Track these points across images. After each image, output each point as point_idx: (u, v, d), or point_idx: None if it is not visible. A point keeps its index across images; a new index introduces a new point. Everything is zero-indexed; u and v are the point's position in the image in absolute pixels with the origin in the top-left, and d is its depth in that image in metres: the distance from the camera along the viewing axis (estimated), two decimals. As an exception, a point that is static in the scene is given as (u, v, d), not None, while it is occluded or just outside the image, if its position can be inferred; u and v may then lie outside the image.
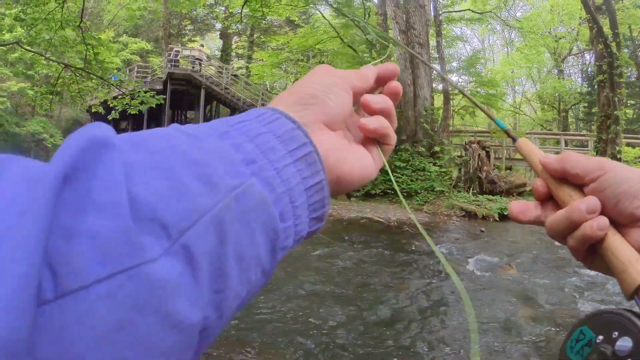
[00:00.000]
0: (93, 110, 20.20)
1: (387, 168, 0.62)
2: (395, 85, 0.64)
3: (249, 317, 5.41)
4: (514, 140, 0.64)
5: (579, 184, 0.57)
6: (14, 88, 34.37)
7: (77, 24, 13.42)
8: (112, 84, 16.83)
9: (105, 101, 16.62)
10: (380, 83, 0.65)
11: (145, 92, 15.38)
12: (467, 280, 7.37)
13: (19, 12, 13.30)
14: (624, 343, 0.46)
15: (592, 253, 0.56)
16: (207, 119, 30.80)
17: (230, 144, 0.43)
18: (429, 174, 17.01)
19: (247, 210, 0.39)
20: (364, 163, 0.57)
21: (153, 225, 0.33)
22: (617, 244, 0.52)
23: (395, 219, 14.09)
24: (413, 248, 10.09)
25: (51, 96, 16.29)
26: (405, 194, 16.79)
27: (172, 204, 0.34)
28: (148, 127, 28.58)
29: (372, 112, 0.60)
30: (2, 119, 35.50)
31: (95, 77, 15.40)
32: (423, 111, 18.21)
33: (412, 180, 16.98)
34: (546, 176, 0.60)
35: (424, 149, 17.81)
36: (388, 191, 17.05)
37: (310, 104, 0.52)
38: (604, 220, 0.53)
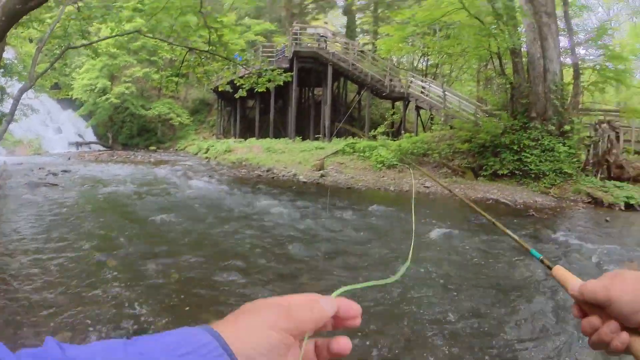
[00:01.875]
0: (220, 90, 20.33)
1: None
2: (344, 345, 0.63)
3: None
4: (549, 268, 0.90)
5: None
6: (138, 73, 37.10)
7: (198, 9, 13.55)
8: (239, 64, 17.15)
9: (232, 80, 17.07)
10: (337, 321, 0.65)
11: (273, 70, 15.46)
12: (589, 274, 7.06)
13: (137, 3, 13.73)
14: None
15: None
16: (334, 95, 31.48)
17: None
18: (557, 154, 16.45)
19: None
20: None
21: None
22: (637, 345, 0.75)
23: (522, 202, 13.98)
24: (538, 234, 9.88)
25: (177, 78, 16.67)
26: (532, 175, 16.48)
27: None
28: (275, 104, 30.06)
29: None
30: (129, 102, 38.57)
31: (220, 59, 15.57)
32: (553, 87, 17.49)
33: (540, 161, 16.50)
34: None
35: (553, 128, 17.14)
36: (515, 172, 16.79)
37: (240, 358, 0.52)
38: (625, 335, 0.76)
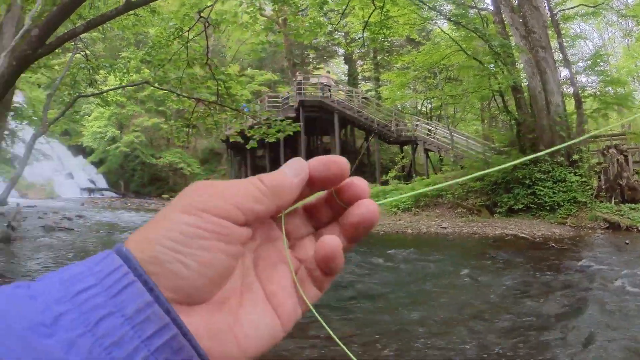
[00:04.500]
0: (231, 140, 20.36)
1: (314, 311, 0.48)
2: (368, 210, 0.48)
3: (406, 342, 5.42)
4: None
5: None
6: (147, 123, 37.63)
7: (204, 61, 13.86)
8: (248, 115, 17.11)
9: (242, 131, 17.12)
10: (321, 187, 0.50)
11: (282, 120, 15.63)
12: (615, 297, 7.07)
13: (144, 54, 14.11)
14: None
15: None
16: (342, 142, 31.77)
17: (62, 341, 0.33)
18: (570, 184, 16.53)
19: None
20: (260, 332, 0.44)
21: None
22: None
23: (541, 234, 13.90)
24: (561, 265, 9.85)
25: (187, 129, 16.70)
26: (548, 207, 16.56)
27: None
28: (285, 154, 30.01)
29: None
30: (139, 151, 38.93)
31: (229, 109, 15.69)
32: (557, 118, 17.74)
33: (554, 192, 16.57)
34: None
35: (562, 159, 17.27)
36: (530, 206, 16.84)
37: (152, 274, 0.38)
38: None
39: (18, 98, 21.17)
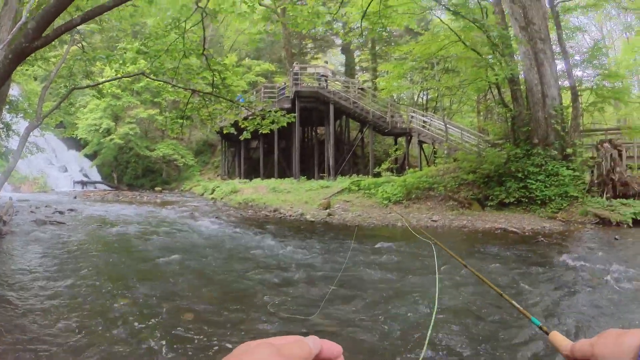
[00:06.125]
0: (225, 132, 20.33)
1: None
2: None
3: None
4: (547, 333, 0.97)
5: None
6: (142, 115, 37.56)
7: (200, 52, 13.71)
8: (242, 106, 16.97)
9: (236, 122, 17.04)
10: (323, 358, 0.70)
11: (276, 111, 15.49)
12: (605, 293, 7.10)
13: (141, 45, 13.82)
14: None
15: None
16: (337, 134, 31.67)
17: None
18: (562, 178, 16.40)
19: None
20: None
21: None
22: None
23: (530, 229, 13.88)
24: (548, 260, 9.79)
25: (181, 120, 16.57)
26: (539, 201, 16.43)
27: None
28: (279, 144, 30.08)
29: None
30: (133, 143, 39.03)
31: (224, 100, 15.52)
32: (552, 111, 17.56)
33: (545, 187, 16.45)
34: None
35: (556, 152, 17.14)
36: (522, 199, 16.75)
37: None
38: None
39: (14, 91, 21.16)
